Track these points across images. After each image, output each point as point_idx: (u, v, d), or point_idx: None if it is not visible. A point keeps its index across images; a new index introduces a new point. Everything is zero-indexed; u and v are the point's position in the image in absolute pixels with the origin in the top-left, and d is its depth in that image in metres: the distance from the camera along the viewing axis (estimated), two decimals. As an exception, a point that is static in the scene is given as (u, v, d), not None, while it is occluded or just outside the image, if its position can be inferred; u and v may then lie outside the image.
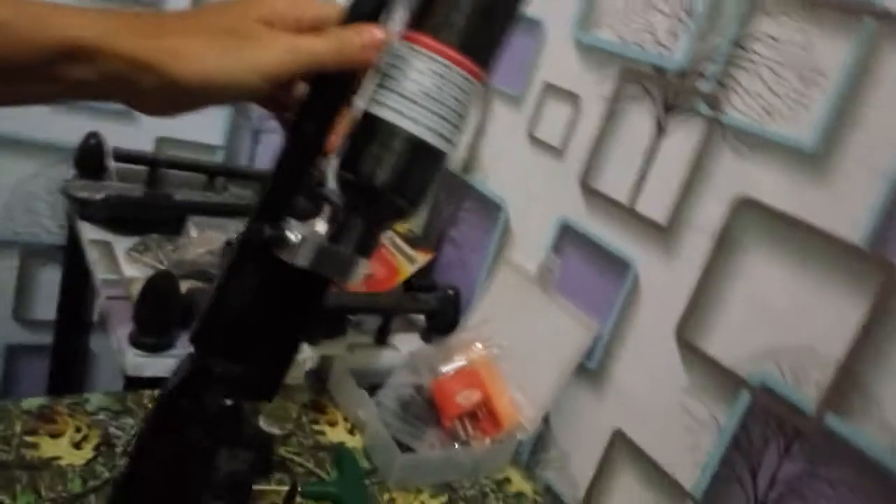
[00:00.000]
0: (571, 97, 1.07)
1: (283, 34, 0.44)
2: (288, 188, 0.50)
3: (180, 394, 0.53)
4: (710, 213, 0.86)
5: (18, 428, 0.81)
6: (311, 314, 0.53)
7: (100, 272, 1.10)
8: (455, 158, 1.31)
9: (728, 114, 0.85)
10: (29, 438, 0.80)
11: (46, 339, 1.56)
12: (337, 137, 0.48)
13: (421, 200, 0.49)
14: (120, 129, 1.43)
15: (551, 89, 1.11)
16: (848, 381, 0.71)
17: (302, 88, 0.46)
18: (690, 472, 0.85)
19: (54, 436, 0.81)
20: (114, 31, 0.39)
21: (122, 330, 0.96)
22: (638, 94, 0.97)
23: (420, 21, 0.47)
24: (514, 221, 1.18)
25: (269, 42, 0.44)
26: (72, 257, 1.43)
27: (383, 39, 0.47)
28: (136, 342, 0.94)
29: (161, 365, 0.94)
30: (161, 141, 1.49)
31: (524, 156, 1.16)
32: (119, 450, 0.82)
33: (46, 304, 1.54)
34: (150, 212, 1.24)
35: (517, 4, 0.48)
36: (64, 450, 0.80)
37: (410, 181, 0.47)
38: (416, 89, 0.46)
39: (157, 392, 0.52)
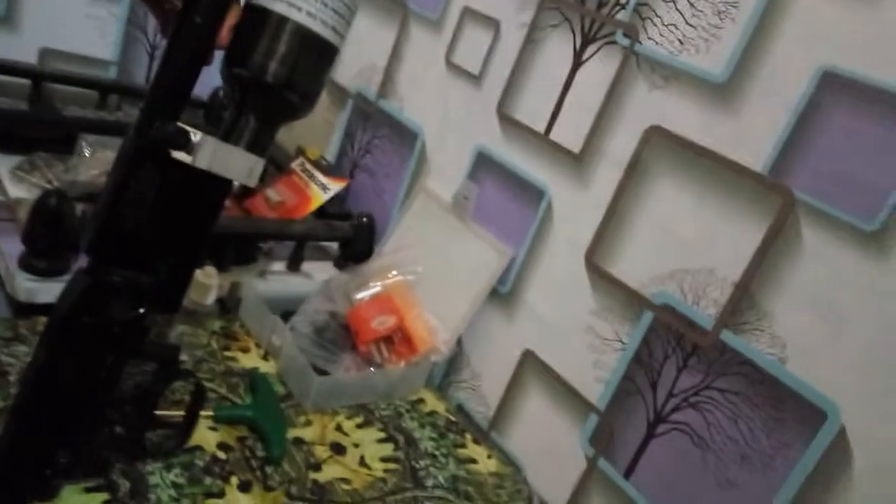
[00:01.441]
0: (491, 22, 1.06)
1: None
2: (179, 84, 0.47)
3: (80, 310, 0.50)
4: (622, 142, 0.89)
5: None
6: (212, 218, 0.51)
7: (-20, 192, 1.01)
8: (370, 84, 1.28)
9: (644, 44, 0.87)
10: None
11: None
12: (227, 31, 0.46)
13: (314, 96, 0.49)
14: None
15: (470, 14, 1.10)
16: (743, 300, 0.76)
17: None
18: (595, 387, 0.90)
19: (-61, 365, 0.75)
20: None
21: (11, 253, 0.89)
22: (558, 22, 0.97)
23: None
24: (430, 149, 1.17)
25: None
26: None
27: None
28: (27, 266, 0.87)
29: (55, 290, 0.88)
30: (45, 53, 1.36)
31: (442, 82, 1.15)
32: (13, 378, 0.77)
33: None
34: (36, 128, 1.14)
35: None
36: (-49, 379, 0.74)
37: (303, 75, 0.47)
38: None
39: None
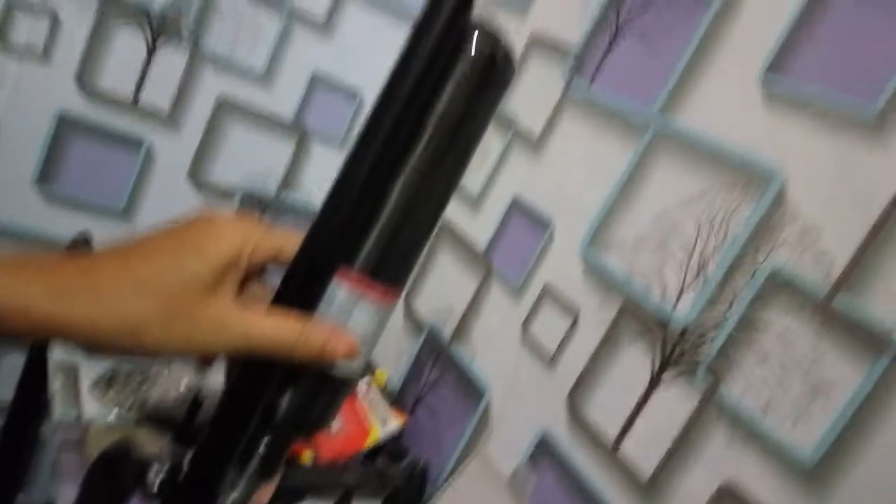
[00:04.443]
0: (570, 309, 1.05)
1: (237, 314, 0.42)
2: (228, 449, 0.48)
3: None
4: (694, 487, 0.83)
5: None
6: None
7: (59, 407, 1.05)
8: (445, 324, 1.29)
9: (727, 393, 0.83)
10: None
11: (-3, 422, 1.49)
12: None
13: (328, 425, 0.48)
14: (114, 230, 1.40)
15: (550, 293, 1.09)
16: None
17: None
18: None
19: None
20: (28, 295, 0.37)
21: (69, 493, 0.91)
22: (638, 334, 0.95)
23: (355, 261, 0.45)
24: (494, 412, 1.15)
25: (220, 328, 0.42)
26: (36, 351, 1.38)
27: (354, 350, 0.45)
28: (80, 515, 0.89)
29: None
30: (151, 245, 1.46)
31: (515, 350, 1.14)
32: None
33: (4, 387, 1.48)
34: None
35: (432, 234, 0.49)
36: None
37: (315, 414, 0.46)
38: (356, 337, 0.45)
39: None
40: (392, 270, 0.50)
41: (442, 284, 1.31)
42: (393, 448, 1.24)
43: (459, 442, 1.19)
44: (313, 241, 0.48)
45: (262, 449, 0.49)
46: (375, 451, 1.23)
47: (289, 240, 0.48)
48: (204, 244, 0.44)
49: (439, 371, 1.28)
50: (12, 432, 1.49)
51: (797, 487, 0.74)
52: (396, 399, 1.32)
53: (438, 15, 0.45)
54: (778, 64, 0.84)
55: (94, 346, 0.40)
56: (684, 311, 0.90)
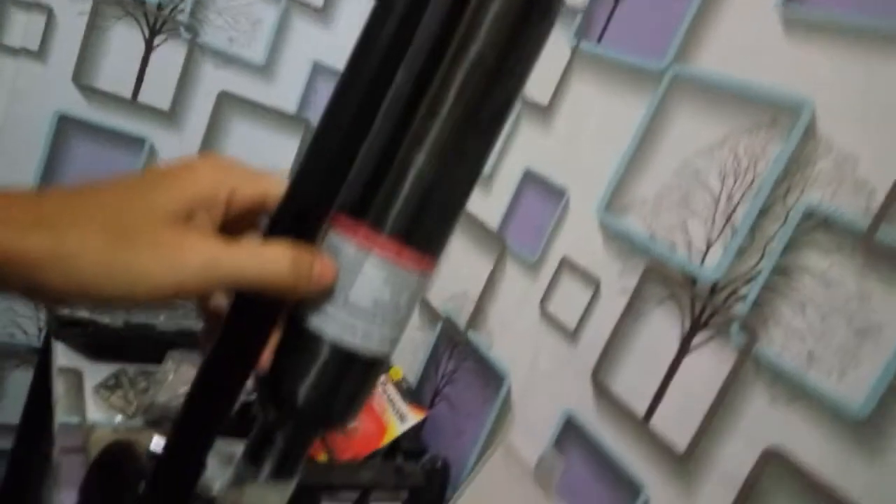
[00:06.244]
0: (591, 280, 0.99)
1: (199, 242, 0.36)
2: (208, 424, 0.42)
3: None
4: (736, 454, 0.76)
5: None
6: None
7: (61, 413, 1.01)
8: (461, 311, 1.23)
9: (765, 348, 0.76)
10: None
11: (7, 444, 1.46)
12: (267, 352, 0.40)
13: (354, 414, 0.41)
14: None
15: (569, 266, 1.03)
16: None
17: None
18: None
19: None
20: None
21: (68, 498, 0.86)
22: (664, 298, 0.88)
23: (367, 213, 0.39)
24: (516, 398, 1.08)
25: (176, 255, 0.35)
26: (43, 366, 1.35)
27: (333, 276, 0.39)
28: (79, 521, 0.83)
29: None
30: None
31: (534, 329, 1.07)
32: None
33: (15, 408, 1.45)
34: (129, 342, 1.16)
35: (472, 189, 0.41)
36: None
37: (340, 398, 0.40)
38: (367, 301, 0.39)
39: None
40: (416, 228, 0.43)
41: (455, 269, 1.26)
42: (412, 445, 1.18)
43: (481, 433, 1.13)
44: (303, 182, 0.42)
45: (278, 444, 0.43)
46: (393, 449, 1.16)
47: (278, 184, 0.42)
48: (173, 179, 0.39)
49: (456, 362, 1.22)
50: (21, 454, 1.45)
51: (849, 444, 0.67)
52: (414, 394, 1.26)
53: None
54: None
55: (28, 284, 0.34)
56: (713, 267, 0.83)
